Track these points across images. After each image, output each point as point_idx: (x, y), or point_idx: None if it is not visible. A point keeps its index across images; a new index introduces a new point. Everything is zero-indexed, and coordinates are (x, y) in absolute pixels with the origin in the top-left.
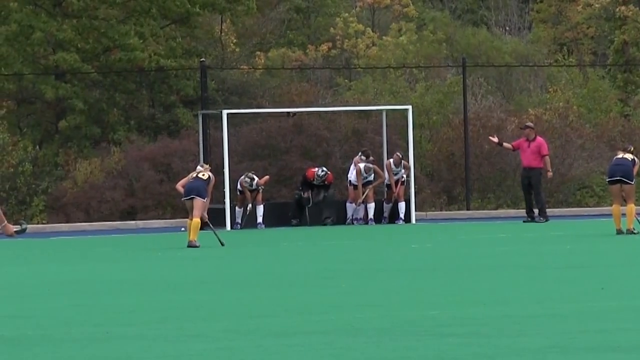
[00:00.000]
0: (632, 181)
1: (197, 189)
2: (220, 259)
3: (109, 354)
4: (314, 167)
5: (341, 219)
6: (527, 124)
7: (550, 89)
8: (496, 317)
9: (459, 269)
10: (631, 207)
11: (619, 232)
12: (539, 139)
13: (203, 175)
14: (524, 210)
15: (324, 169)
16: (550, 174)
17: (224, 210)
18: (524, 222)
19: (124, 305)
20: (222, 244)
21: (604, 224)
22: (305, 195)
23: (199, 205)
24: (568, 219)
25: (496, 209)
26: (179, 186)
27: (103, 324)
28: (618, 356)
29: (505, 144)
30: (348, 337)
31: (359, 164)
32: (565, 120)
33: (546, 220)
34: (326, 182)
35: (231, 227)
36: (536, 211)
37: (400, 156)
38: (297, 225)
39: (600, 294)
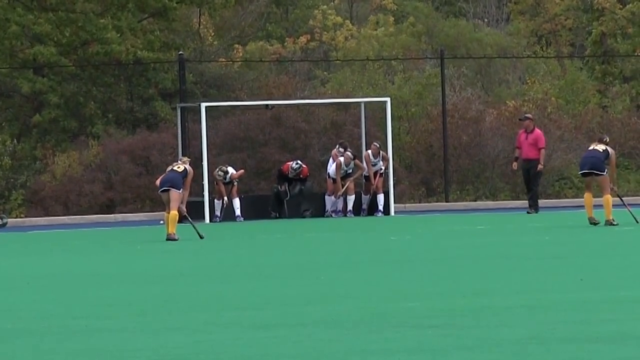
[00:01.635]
0: (603, 172)
1: (171, 180)
2: (199, 252)
3: (88, 347)
4: (290, 160)
5: (320, 211)
6: (526, 115)
7: (528, 81)
8: (476, 309)
9: (438, 261)
10: (607, 198)
11: (591, 220)
12: (538, 131)
13: (178, 167)
14: (506, 201)
15: (299, 162)
16: (540, 167)
17: (202, 203)
18: (527, 213)
19: (103, 298)
20: (201, 237)
21: (582, 215)
22: (282, 188)
23: (175, 197)
24: (547, 210)
25: (475, 200)
26: (158, 181)
27: (82, 317)
28: (598, 347)
29: (517, 154)
30: (327, 329)
31: (339, 158)
32: (544, 112)
33: (536, 212)
34: (301, 176)
35: (210, 220)
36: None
37: (379, 147)
38: (276, 218)
39: (579, 285)
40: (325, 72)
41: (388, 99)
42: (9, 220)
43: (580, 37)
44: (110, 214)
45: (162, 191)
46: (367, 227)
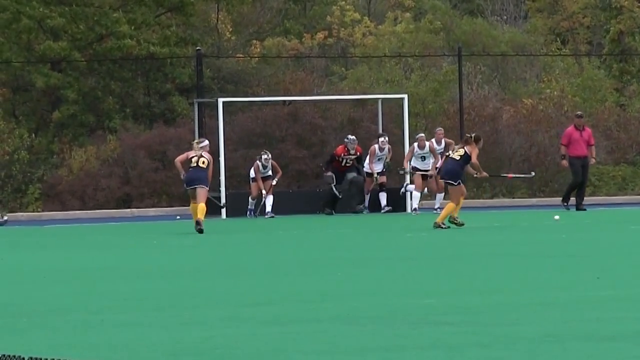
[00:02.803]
0: (455, 183)
1: (198, 179)
2: (215, 247)
3: (104, 341)
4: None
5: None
6: (578, 113)
7: (545, 79)
8: (491, 306)
9: (454, 258)
10: (450, 205)
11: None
12: (588, 128)
13: (203, 162)
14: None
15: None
16: (594, 160)
17: (219, 198)
18: (577, 209)
19: (119, 292)
20: (223, 206)
21: (599, 213)
22: (336, 188)
23: (204, 193)
24: (563, 208)
25: (491, 198)
26: (178, 161)
27: (99, 312)
28: (613, 345)
29: (562, 152)
30: (343, 325)
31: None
32: (561, 110)
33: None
34: (354, 158)
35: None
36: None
37: (385, 140)
38: (330, 214)
39: (595, 283)
40: (342, 69)
41: (405, 96)
42: (25, 214)
43: (598, 35)
44: (127, 208)
45: (190, 189)
46: (383, 224)
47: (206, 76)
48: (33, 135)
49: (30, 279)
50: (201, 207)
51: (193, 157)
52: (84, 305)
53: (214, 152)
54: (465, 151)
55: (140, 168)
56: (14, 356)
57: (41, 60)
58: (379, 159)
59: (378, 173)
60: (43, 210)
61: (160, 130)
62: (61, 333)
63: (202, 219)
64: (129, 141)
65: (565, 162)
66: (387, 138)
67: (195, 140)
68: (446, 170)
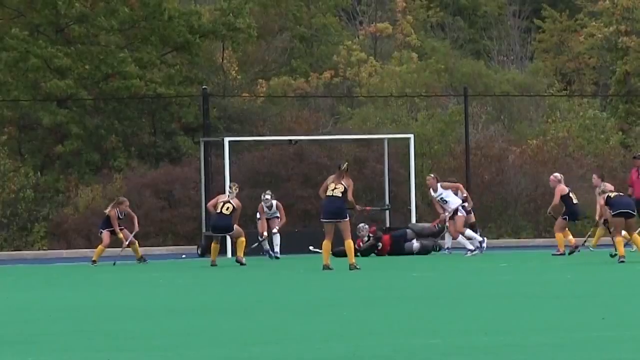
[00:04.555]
0: (344, 218)
1: (223, 227)
2: (221, 285)
3: None
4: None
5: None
6: (639, 153)
7: (549, 120)
8: (498, 346)
9: (460, 298)
10: (348, 243)
11: (325, 267)
12: None
13: (227, 209)
14: (528, 239)
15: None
16: None
17: (225, 238)
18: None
19: (125, 331)
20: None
21: (604, 253)
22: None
23: (234, 234)
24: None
25: (497, 238)
26: (210, 206)
27: (104, 350)
28: None
29: (629, 192)
30: None
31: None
32: (566, 150)
33: None
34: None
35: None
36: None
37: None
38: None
39: (601, 324)
40: (348, 108)
41: (411, 136)
42: (31, 252)
43: (604, 76)
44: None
45: (215, 235)
46: (389, 264)
47: (212, 115)
48: (39, 173)
49: (36, 318)
50: (240, 242)
51: (221, 201)
52: (90, 343)
53: (220, 192)
54: (343, 186)
55: (146, 207)
56: None
57: (48, 98)
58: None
59: None
60: (49, 249)
61: (166, 169)
62: None
63: (241, 254)
64: (135, 180)
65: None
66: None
67: (229, 185)
68: (331, 213)
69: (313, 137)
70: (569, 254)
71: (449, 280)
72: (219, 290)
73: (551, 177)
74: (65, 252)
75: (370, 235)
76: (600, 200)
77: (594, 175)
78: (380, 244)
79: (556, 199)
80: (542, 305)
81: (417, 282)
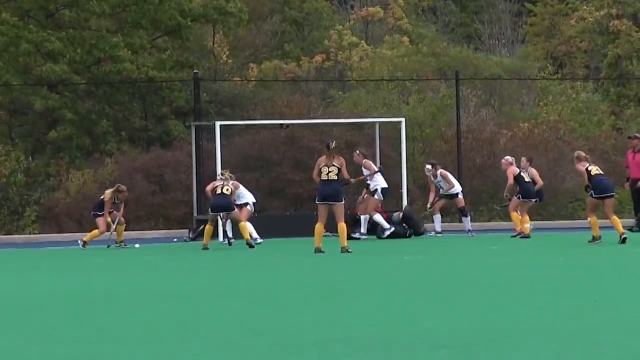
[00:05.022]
0: (340, 201)
1: (223, 206)
2: (212, 271)
3: None
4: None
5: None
6: (635, 134)
7: (541, 103)
8: (489, 330)
9: (451, 281)
10: (341, 226)
11: (317, 250)
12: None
13: (227, 190)
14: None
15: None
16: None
17: (216, 222)
18: (632, 230)
19: (115, 318)
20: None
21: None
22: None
23: (235, 215)
24: (560, 231)
25: (489, 221)
26: (208, 190)
27: (95, 336)
28: None
29: (627, 174)
30: (343, 351)
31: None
32: (557, 134)
33: None
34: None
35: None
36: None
37: (362, 156)
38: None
39: (593, 307)
40: (339, 92)
41: (403, 120)
42: (22, 236)
43: (596, 59)
44: (124, 231)
45: (214, 214)
46: (380, 247)
47: (203, 100)
48: (30, 157)
49: (26, 303)
50: (242, 226)
51: (218, 185)
52: (80, 328)
53: (211, 176)
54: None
55: (137, 191)
56: None
57: (39, 82)
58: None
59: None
60: (40, 233)
61: (157, 153)
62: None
63: (247, 236)
64: (126, 164)
65: (626, 185)
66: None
67: (221, 172)
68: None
69: (304, 121)
70: (517, 235)
71: (440, 264)
72: (209, 275)
73: (502, 160)
74: (56, 236)
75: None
76: (510, 179)
77: (523, 159)
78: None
79: (510, 181)
80: (533, 288)
81: (408, 265)
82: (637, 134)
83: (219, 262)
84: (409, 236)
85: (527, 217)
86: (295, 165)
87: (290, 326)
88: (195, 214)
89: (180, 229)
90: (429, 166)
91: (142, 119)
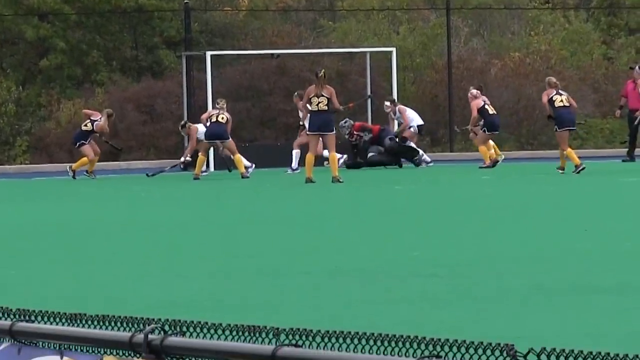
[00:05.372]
0: (331, 131)
1: (217, 134)
2: (204, 200)
3: (94, 294)
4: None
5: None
6: (637, 64)
7: (532, 33)
8: (479, 258)
9: (442, 211)
10: (332, 155)
11: (308, 180)
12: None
13: (222, 118)
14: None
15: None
16: None
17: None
18: (622, 161)
19: (108, 245)
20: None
21: (587, 165)
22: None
23: (228, 145)
24: (551, 160)
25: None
26: (203, 118)
27: (88, 264)
28: (600, 297)
29: (621, 102)
30: (332, 278)
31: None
32: (548, 63)
33: (632, 161)
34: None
35: (215, 169)
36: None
37: (394, 104)
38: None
39: (583, 236)
40: (330, 22)
41: (394, 49)
42: (13, 167)
43: None
44: (115, 161)
45: (209, 142)
46: (372, 176)
47: (194, 29)
48: (20, 88)
49: (18, 232)
50: (237, 159)
51: (214, 113)
52: (73, 258)
53: (201, 106)
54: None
55: (128, 121)
56: (2, 308)
57: (30, 12)
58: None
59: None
60: (30, 163)
61: (148, 83)
62: (50, 286)
63: (242, 170)
64: (117, 94)
65: (618, 112)
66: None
67: (217, 100)
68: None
69: (295, 51)
70: (493, 166)
71: (431, 193)
72: (200, 204)
73: (468, 94)
74: (47, 166)
75: (355, 133)
76: (473, 112)
77: (473, 90)
78: (369, 133)
79: (474, 113)
80: (524, 217)
81: (399, 194)
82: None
83: (210, 193)
84: (417, 164)
85: (490, 144)
86: (286, 95)
87: (279, 254)
88: (186, 144)
89: (171, 158)
90: (387, 103)
91: (133, 49)
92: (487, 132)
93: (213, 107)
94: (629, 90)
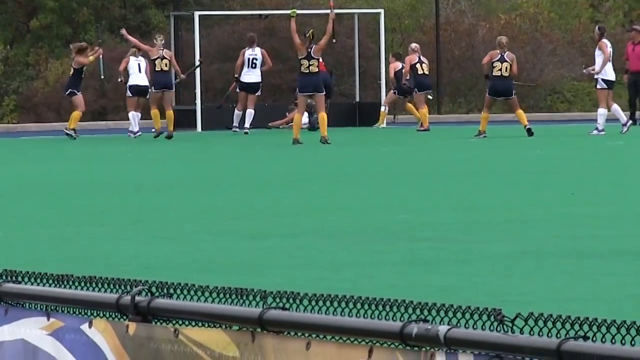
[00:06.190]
0: (320, 92)
1: (164, 83)
2: (190, 161)
3: (80, 255)
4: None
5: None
6: (634, 26)
7: None
8: (467, 222)
9: (429, 174)
10: (322, 115)
11: (295, 141)
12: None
13: (166, 65)
14: (497, 114)
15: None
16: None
17: (195, 111)
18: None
19: (94, 206)
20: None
21: (574, 129)
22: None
23: (170, 97)
24: (538, 124)
25: (467, 113)
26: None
27: (74, 225)
28: (588, 262)
29: (627, 66)
30: (319, 240)
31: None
32: (536, 26)
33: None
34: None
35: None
36: (638, 114)
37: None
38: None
39: (570, 199)
40: None
41: (382, 11)
42: (0, 126)
43: None
44: (102, 121)
45: (156, 92)
46: (359, 138)
47: None
48: (9, 47)
49: (4, 192)
50: (169, 115)
51: (156, 59)
52: (59, 218)
53: (190, 65)
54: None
55: (115, 81)
56: None
57: None
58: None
59: None
60: (18, 122)
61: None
62: (37, 246)
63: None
64: (105, 53)
65: (625, 77)
66: None
67: (157, 36)
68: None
69: (283, 12)
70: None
71: (418, 155)
72: (188, 165)
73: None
74: (34, 126)
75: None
76: (406, 66)
77: (390, 58)
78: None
79: (406, 68)
80: (511, 181)
81: (386, 157)
82: (635, 26)
83: (197, 153)
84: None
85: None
86: (275, 57)
87: (265, 216)
88: (173, 104)
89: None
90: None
91: (122, 7)
92: (417, 92)
93: (152, 46)
94: (629, 53)
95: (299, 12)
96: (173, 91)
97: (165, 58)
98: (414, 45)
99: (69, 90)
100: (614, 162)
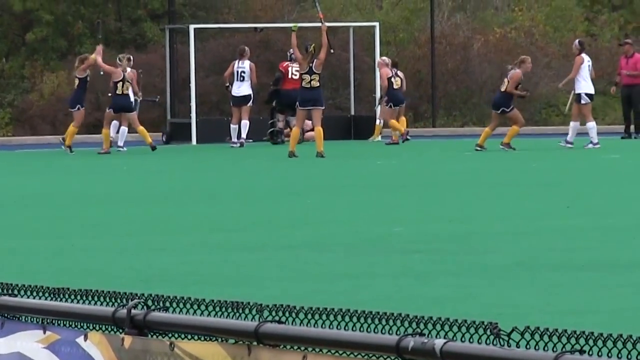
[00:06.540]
0: (321, 106)
1: (124, 107)
2: (185, 173)
3: (75, 266)
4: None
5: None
6: (626, 40)
7: (515, 8)
8: (462, 234)
9: (424, 186)
10: (318, 130)
11: (291, 154)
12: (637, 55)
13: (127, 88)
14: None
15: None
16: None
17: (190, 124)
18: (621, 138)
19: (89, 218)
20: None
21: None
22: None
23: (132, 117)
24: (533, 137)
25: (462, 126)
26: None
27: (69, 237)
28: (582, 274)
29: (617, 79)
30: (313, 252)
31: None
32: (531, 39)
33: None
34: None
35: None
36: (632, 127)
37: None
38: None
39: (565, 212)
40: None
41: (377, 24)
42: None
43: None
44: (98, 134)
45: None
46: (353, 151)
47: (178, 3)
48: (4, 59)
49: (2, 203)
50: (141, 131)
51: (118, 81)
52: (54, 230)
53: (184, 78)
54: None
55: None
56: None
57: None
58: None
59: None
60: (13, 135)
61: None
62: (31, 258)
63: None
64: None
65: (613, 89)
66: None
67: (121, 56)
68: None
69: (278, 25)
70: (403, 141)
71: (413, 168)
72: (182, 177)
73: (379, 60)
74: (30, 139)
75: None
76: (384, 81)
77: (379, 63)
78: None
79: (383, 83)
80: (506, 193)
81: (381, 170)
82: (627, 40)
83: (192, 165)
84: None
85: (403, 120)
86: (270, 69)
87: (261, 228)
88: (168, 117)
89: (154, 132)
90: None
91: (117, 21)
92: (392, 107)
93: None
94: (622, 66)
95: (298, 25)
96: (134, 112)
97: (127, 81)
98: (385, 58)
99: (77, 106)
100: (609, 175)
